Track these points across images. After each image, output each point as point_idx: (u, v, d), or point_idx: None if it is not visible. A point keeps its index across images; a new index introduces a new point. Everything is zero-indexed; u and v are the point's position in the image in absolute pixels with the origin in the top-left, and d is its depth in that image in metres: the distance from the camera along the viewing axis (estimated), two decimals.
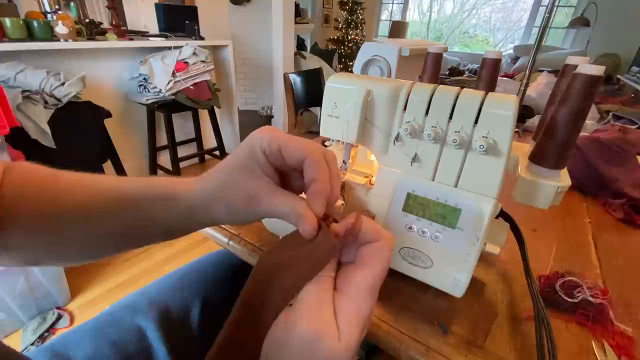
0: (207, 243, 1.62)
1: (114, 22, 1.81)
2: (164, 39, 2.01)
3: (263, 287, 0.23)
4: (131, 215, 0.28)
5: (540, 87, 1.21)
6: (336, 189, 0.26)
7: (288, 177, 0.28)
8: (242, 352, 0.22)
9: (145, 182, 0.29)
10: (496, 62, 0.47)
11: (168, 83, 1.75)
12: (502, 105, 0.29)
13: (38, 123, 1.27)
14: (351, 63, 4.49)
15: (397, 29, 4.73)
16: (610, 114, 1.14)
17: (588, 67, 0.30)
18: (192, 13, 2.25)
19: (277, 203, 0.25)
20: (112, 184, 0.29)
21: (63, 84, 1.39)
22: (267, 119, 3.36)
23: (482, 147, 0.29)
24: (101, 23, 1.92)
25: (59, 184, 0.28)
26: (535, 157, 0.34)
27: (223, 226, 0.46)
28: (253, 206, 0.25)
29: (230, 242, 0.43)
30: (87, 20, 1.81)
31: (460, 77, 1.67)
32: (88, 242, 0.30)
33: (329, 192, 0.25)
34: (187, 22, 2.14)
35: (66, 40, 1.55)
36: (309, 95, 1.99)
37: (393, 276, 0.35)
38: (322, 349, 0.19)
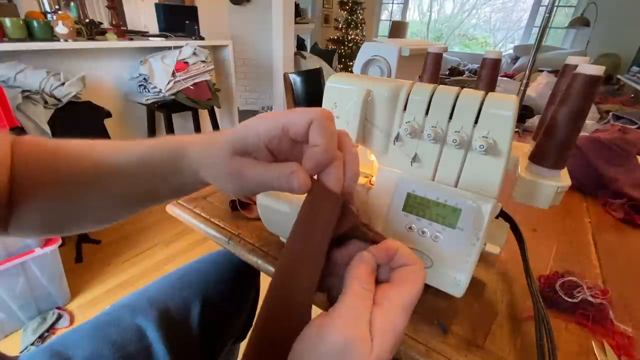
0: (207, 243, 1.62)
1: (114, 22, 1.81)
2: (164, 39, 2.01)
3: (287, 275, 0.23)
4: (143, 177, 0.28)
5: (540, 87, 1.21)
6: (349, 164, 0.25)
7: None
8: (274, 343, 0.22)
9: (156, 143, 0.29)
10: (496, 62, 0.47)
11: (168, 83, 1.75)
12: (502, 105, 0.29)
13: (38, 123, 1.27)
14: (351, 63, 4.49)
15: (397, 29, 4.73)
16: (610, 114, 1.14)
17: (588, 67, 0.30)
18: (192, 13, 2.25)
19: (261, 171, 0.24)
20: (123, 148, 0.29)
21: (63, 84, 1.39)
22: None
23: (482, 147, 0.29)
24: (101, 23, 1.92)
25: (69, 153, 0.29)
26: (535, 157, 0.34)
27: (223, 226, 0.46)
28: (241, 181, 0.24)
29: (230, 242, 0.43)
30: (87, 20, 1.81)
31: (460, 77, 1.67)
32: (101, 206, 0.30)
33: (327, 159, 0.23)
34: (187, 22, 2.14)
35: (66, 40, 1.55)
36: (309, 95, 1.99)
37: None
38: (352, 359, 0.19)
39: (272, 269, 0.39)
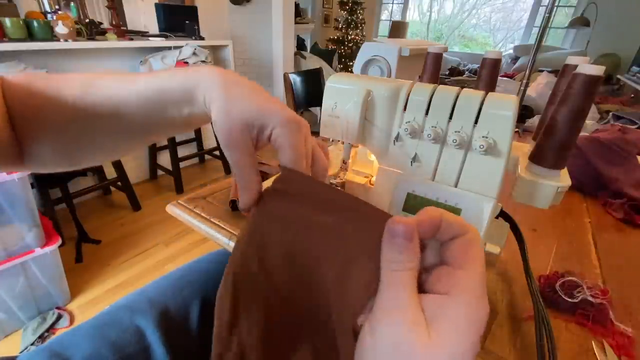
0: (207, 243, 1.62)
1: (114, 22, 1.81)
2: (164, 39, 2.01)
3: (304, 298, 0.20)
4: (154, 110, 0.28)
5: (540, 87, 1.21)
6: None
7: None
8: None
9: (168, 74, 0.28)
10: (496, 62, 0.47)
11: None
12: (502, 105, 0.29)
13: None
14: (351, 63, 4.49)
15: (397, 29, 4.73)
16: (610, 114, 1.14)
17: (588, 67, 0.30)
18: (192, 13, 2.25)
19: (244, 165, 0.25)
20: (129, 82, 0.28)
21: None
22: None
23: (482, 147, 0.29)
24: (101, 23, 1.92)
25: (68, 96, 0.28)
26: (535, 157, 0.34)
27: (223, 226, 0.46)
28: (227, 150, 0.26)
29: (231, 242, 0.43)
30: (87, 20, 1.81)
31: (460, 77, 1.67)
32: (111, 140, 0.31)
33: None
34: (187, 22, 2.14)
35: (66, 40, 1.55)
36: (309, 95, 1.99)
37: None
38: (408, 352, 0.16)
39: None
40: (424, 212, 0.19)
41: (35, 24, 1.49)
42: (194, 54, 1.88)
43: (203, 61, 1.91)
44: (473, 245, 0.19)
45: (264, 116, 0.25)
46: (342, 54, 4.59)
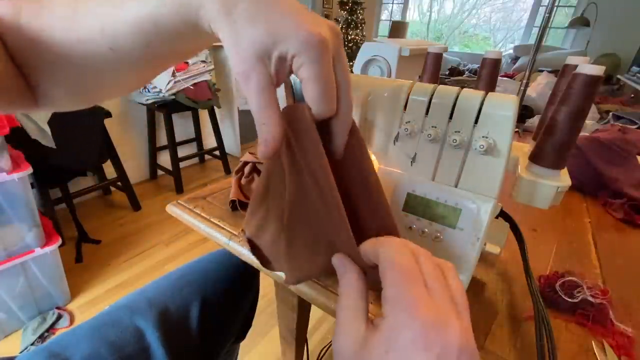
0: (207, 243, 1.62)
1: None
2: None
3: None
4: (153, 42, 0.24)
5: (540, 87, 1.21)
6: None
7: None
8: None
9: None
10: (496, 62, 0.47)
11: (168, 83, 1.75)
12: (502, 105, 0.29)
13: (38, 123, 1.27)
14: (351, 63, 4.47)
15: (397, 29, 4.73)
16: (610, 114, 1.14)
17: (588, 67, 0.30)
18: None
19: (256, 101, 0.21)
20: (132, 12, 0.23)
21: None
22: None
23: (482, 147, 0.29)
24: None
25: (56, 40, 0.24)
26: (535, 157, 0.34)
27: (223, 226, 0.46)
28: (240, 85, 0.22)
29: (230, 242, 0.43)
30: None
31: (460, 77, 1.67)
32: (121, 76, 0.27)
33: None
34: None
35: None
36: None
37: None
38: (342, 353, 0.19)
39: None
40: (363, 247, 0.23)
41: None
42: None
43: (203, 61, 1.91)
44: (383, 260, 0.20)
45: (277, 41, 0.20)
46: None
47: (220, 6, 0.20)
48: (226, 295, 0.52)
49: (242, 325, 0.58)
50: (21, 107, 0.27)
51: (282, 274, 0.31)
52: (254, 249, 0.34)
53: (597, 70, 0.29)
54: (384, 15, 5.56)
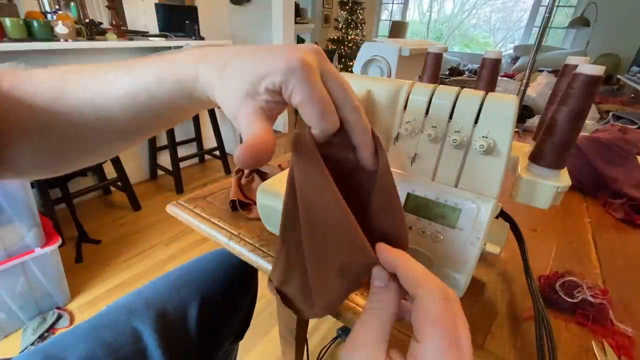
0: (207, 243, 1.62)
1: (114, 22, 1.81)
2: (164, 39, 2.01)
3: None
4: (144, 113, 0.25)
5: (540, 87, 1.21)
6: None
7: None
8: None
9: (154, 76, 0.24)
10: (496, 62, 0.47)
11: None
12: (502, 105, 0.29)
13: None
14: (351, 63, 4.49)
15: (397, 29, 4.73)
16: (610, 114, 1.14)
17: (588, 67, 0.30)
18: (192, 13, 2.25)
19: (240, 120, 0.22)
20: (119, 84, 0.25)
21: None
22: None
23: (482, 147, 0.29)
24: (101, 23, 1.92)
25: (40, 105, 0.25)
26: (535, 157, 0.34)
27: (223, 226, 0.46)
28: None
29: (230, 242, 0.43)
30: (87, 20, 1.81)
31: (460, 77, 1.67)
32: (96, 145, 0.28)
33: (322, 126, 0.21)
34: (187, 22, 2.14)
35: (66, 40, 1.55)
36: None
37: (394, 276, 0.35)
38: None
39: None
40: (380, 249, 0.22)
41: (35, 24, 1.49)
42: None
43: None
44: (423, 311, 0.18)
45: (262, 77, 0.21)
46: (342, 54, 4.58)
47: (214, 72, 0.22)
48: (224, 295, 0.52)
49: (240, 324, 0.58)
50: None
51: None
52: (284, 299, 0.30)
53: (597, 70, 0.29)
54: (384, 15, 5.56)
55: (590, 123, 0.99)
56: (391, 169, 0.27)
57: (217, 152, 2.32)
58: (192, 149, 2.38)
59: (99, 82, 0.25)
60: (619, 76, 2.59)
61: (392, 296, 0.20)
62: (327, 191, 0.22)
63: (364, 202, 0.25)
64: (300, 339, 0.71)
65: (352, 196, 0.24)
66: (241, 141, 0.20)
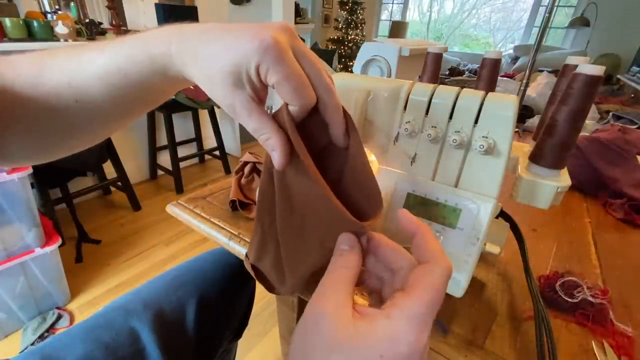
0: (207, 243, 1.62)
1: (114, 22, 1.81)
2: None
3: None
4: (122, 94, 0.26)
5: (540, 87, 1.21)
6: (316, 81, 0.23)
7: None
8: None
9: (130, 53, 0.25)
10: (496, 62, 0.47)
11: None
12: (502, 105, 0.29)
13: None
14: (351, 63, 4.49)
15: (397, 29, 4.72)
16: (610, 114, 1.14)
17: (588, 67, 0.30)
18: (192, 13, 2.25)
19: (251, 121, 0.23)
20: (98, 66, 0.25)
21: None
22: None
23: (482, 147, 0.29)
24: (101, 23, 1.92)
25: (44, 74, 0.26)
26: (535, 157, 0.34)
27: (223, 226, 0.46)
28: (233, 114, 0.23)
29: (230, 242, 0.43)
30: (87, 20, 1.81)
31: (460, 77, 1.66)
32: (79, 126, 0.28)
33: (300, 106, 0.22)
34: (187, 22, 2.13)
35: (66, 40, 1.55)
36: None
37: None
38: (324, 325, 0.18)
39: None
40: (413, 220, 0.22)
41: (35, 24, 1.49)
42: None
43: None
44: (432, 274, 0.19)
45: (240, 64, 0.21)
46: (342, 54, 4.59)
47: (188, 53, 0.23)
48: (222, 294, 0.52)
49: (239, 323, 0.58)
50: None
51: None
52: (258, 275, 0.33)
53: (597, 70, 0.29)
54: (384, 15, 5.56)
55: (590, 123, 0.99)
56: (391, 169, 0.27)
57: (217, 152, 2.32)
58: (192, 149, 2.38)
59: (74, 64, 0.25)
60: (619, 76, 2.59)
61: (357, 258, 0.22)
62: (307, 167, 0.23)
63: (337, 176, 0.27)
64: None
65: (326, 171, 0.25)
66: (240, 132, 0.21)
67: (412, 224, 0.22)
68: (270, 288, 0.32)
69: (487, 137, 0.29)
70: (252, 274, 0.33)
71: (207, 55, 0.22)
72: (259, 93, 0.23)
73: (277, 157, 0.23)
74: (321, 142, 0.26)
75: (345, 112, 0.25)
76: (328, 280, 0.21)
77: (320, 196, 0.23)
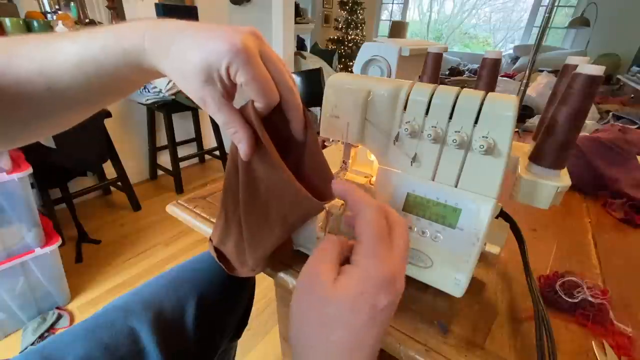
0: (207, 243, 1.62)
1: (114, 22, 1.81)
2: None
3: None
4: (94, 84, 0.27)
5: (540, 87, 1.21)
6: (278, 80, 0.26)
7: None
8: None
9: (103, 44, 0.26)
10: (496, 62, 0.47)
11: (168, 83, 1.74)
12: (502, 105, 0.29)
13: None
14: (351, 63, 4.49)
15: (397, 29, 4.72)
16: (610, 114, 1.14)
17: (588, 67, 0.30)
18: (192, 13, 2.25)
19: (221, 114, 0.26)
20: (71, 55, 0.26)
21: None
22: None
23: (482, 147, 0.29)
24: (101, 23, 1.92)
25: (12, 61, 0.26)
26: (535, 157, 0.34)
27: None
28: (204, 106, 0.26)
29: None
30: (87, 20, 1.81)
31: (460, 77, 1.67)
32: (51, 112, 0.29)
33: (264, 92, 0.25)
34: None
35: None
36: (309, 95, 1.99)
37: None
38: (317, 287, 0.22)
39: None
40: (339, 186, 0.27)
41: (35, 24, 1.49)
42: None
43: None
44: (362, 219, 0.24)
45: (212, 63, 0.23)
46: (342, 54, 4.58)
47: (161, 48, 0.24)
48: (222, 294, 0.52)
49: (238, 323, 0.58)
50: None
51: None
52: (220, 257, 0.37)
53: (597, 70, 0.29)
54: (384, 15, 5.55)
55: (590, 123, 0.99)
56: (391, 169, 0.29)
57: (217, 152, 2.32)
58: (192, 149, 2.38)
59: (45, 52, 0.26)
60: (619, 76, 2.59)
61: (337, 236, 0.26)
62: (272, 156, 0.27)
63: (297, 165, 0.31)
64: None
65: (287, 160, 0.29)
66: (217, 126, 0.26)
67: (342, 191, 0.26)
68: (231, 269, 0.36)
69: (487, 137, 0.29)
70: (215, 255, 0.36)
71: (180, 52, 0.24)
72: (229, 90, 0.26)
73: (243, 149, 0.26)
74: (283, 135, 0.30)
75: (305, 111, 0.29)
76: (318, 251, 0.24)
77: (283, 180, 0.28)
